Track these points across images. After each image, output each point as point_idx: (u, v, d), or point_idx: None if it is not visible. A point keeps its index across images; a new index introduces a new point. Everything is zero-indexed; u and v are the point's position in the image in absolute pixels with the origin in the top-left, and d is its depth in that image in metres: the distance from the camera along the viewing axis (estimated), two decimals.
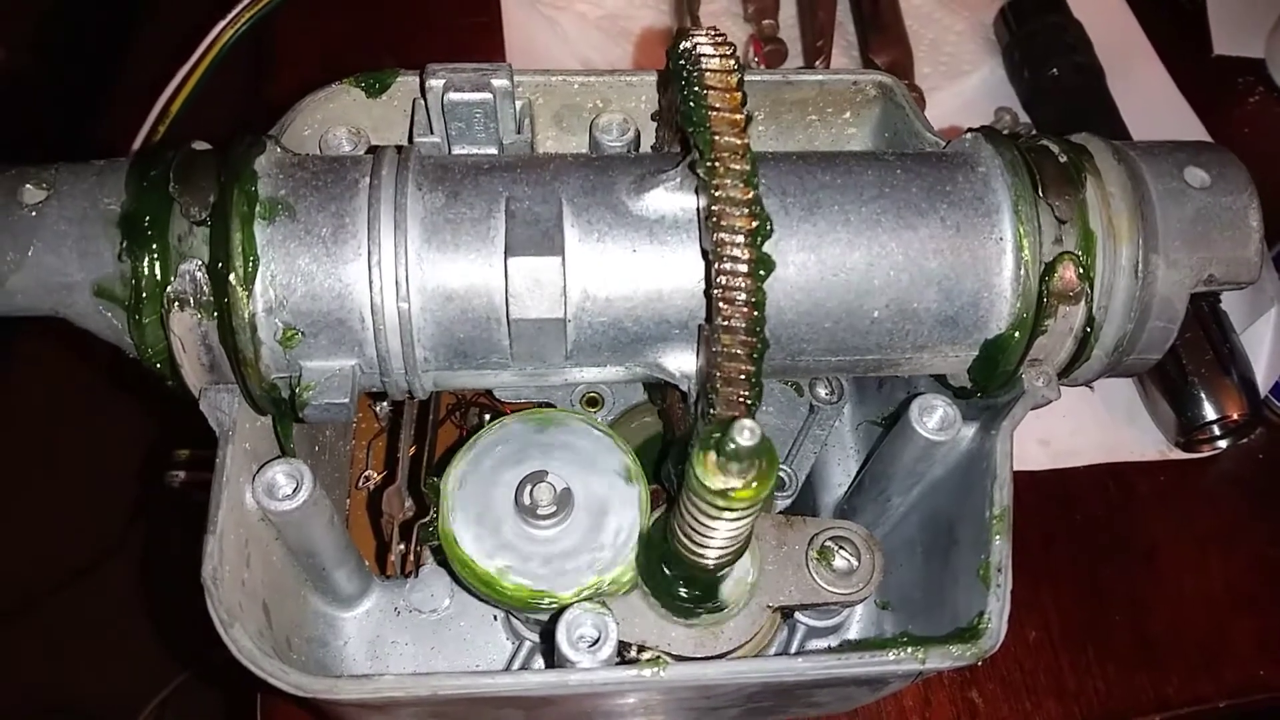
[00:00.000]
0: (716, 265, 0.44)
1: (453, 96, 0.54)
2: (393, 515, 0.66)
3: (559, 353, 0.51)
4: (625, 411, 0.65)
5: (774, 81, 0.62)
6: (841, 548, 0.54)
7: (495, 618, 0.63)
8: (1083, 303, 0.50)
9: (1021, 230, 0.50)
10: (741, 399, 0.45)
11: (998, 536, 0.51)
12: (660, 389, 0.60)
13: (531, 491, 0.52)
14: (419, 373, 0.50)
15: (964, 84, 1.04)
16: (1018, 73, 1.02)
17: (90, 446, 1.59)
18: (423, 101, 0.55)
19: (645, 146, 0.61)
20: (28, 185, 0.47)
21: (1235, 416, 0.80)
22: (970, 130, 0.55)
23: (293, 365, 0.49)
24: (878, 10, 1.02)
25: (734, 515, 0.44)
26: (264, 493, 0.49)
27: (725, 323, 0.44)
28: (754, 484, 0.42)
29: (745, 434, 0.39)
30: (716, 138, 0.45)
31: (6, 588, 1.47)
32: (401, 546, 0.66)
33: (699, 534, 0.46)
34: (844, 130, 0.64)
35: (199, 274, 0.46)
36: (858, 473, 0.69)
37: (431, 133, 0.56)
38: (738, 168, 0.44)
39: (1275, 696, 0.74)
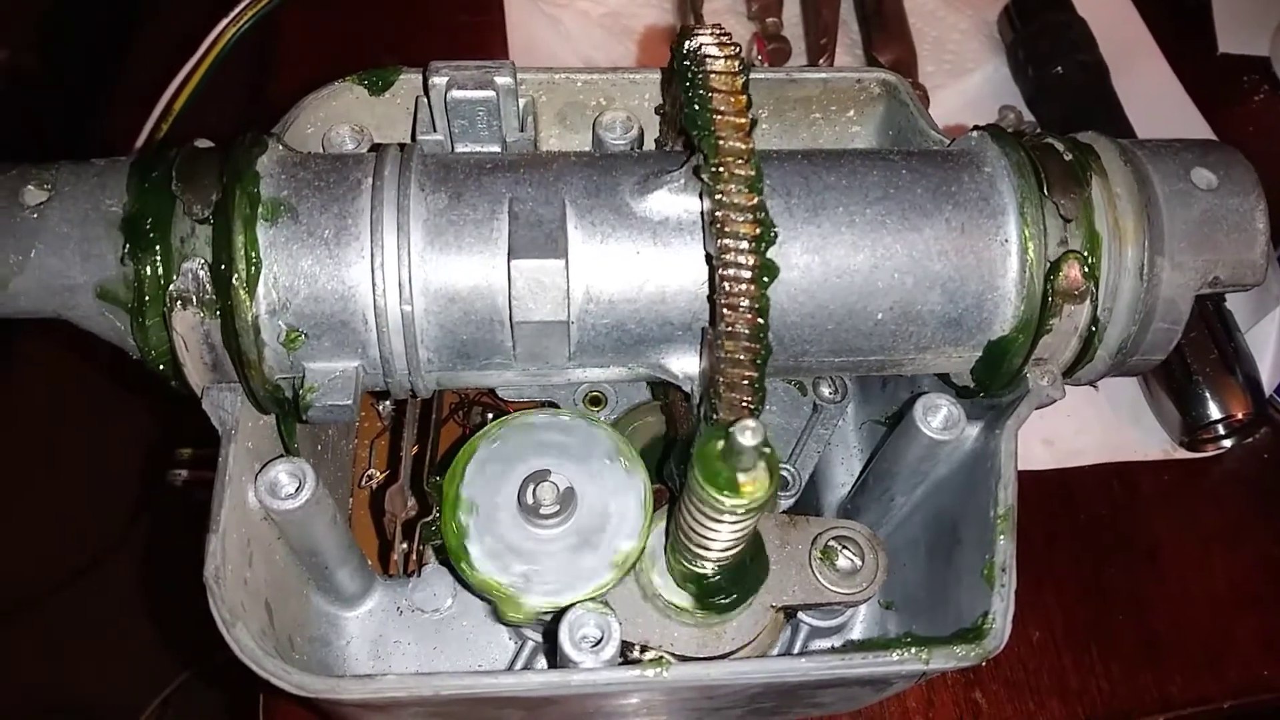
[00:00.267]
0: (720, 271, 0.44)
1: (456, 94, 0.54)
2: (395, 514, 0.66)
3: (562, 354, 0.50)
4: (628, 410, 0.65)
5: (778, 80, 0.61)
6: (845, 547, 0.54)
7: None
8: (1088, 301, 0.50)
9: (1027, 233, 0.50)
10: (745, 404, 0.45)
11: (1002, 536, 0.51)
12: (664, 384, 0.60)
13: (534, 491, 0.52)
14: (422, 373, 0.50)
15: (968, 82, 1.04)
16: (1022, 71, 1.02)
17: (92, 446, 1.59)
18: (426, 99, 0.55)
19: (649, 144, 0.61)
20: (29, 186, 0.47)
21: (1240, 416, 0.80)
22: (976, 128, 0.55)
23: (296, 366, 0.49)
24: (881, 8, 1.02)
25: (736, 517, 0.44)
26: (266, 492, 0.49)
27: (729, 329, 0.44)
28: (756, 486, 0.41)
29: (748, 434, 0.39)
30: (721, 142, 0.45)
31: (7, 587, 1.47)
32: (404, 545, 0.66)
33: (701, 535, 0.46)
34: (848, 128, 0.64)
35: (201, 272, 0.46)
36: (861, 472, 0.69)
37: (434, 130, 0.56)
38: (742, 173, 0.44)
39: (1279, 696, 0.74)
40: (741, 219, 0.44)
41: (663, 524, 0.52)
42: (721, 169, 0.44)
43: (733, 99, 0.46)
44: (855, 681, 0.55)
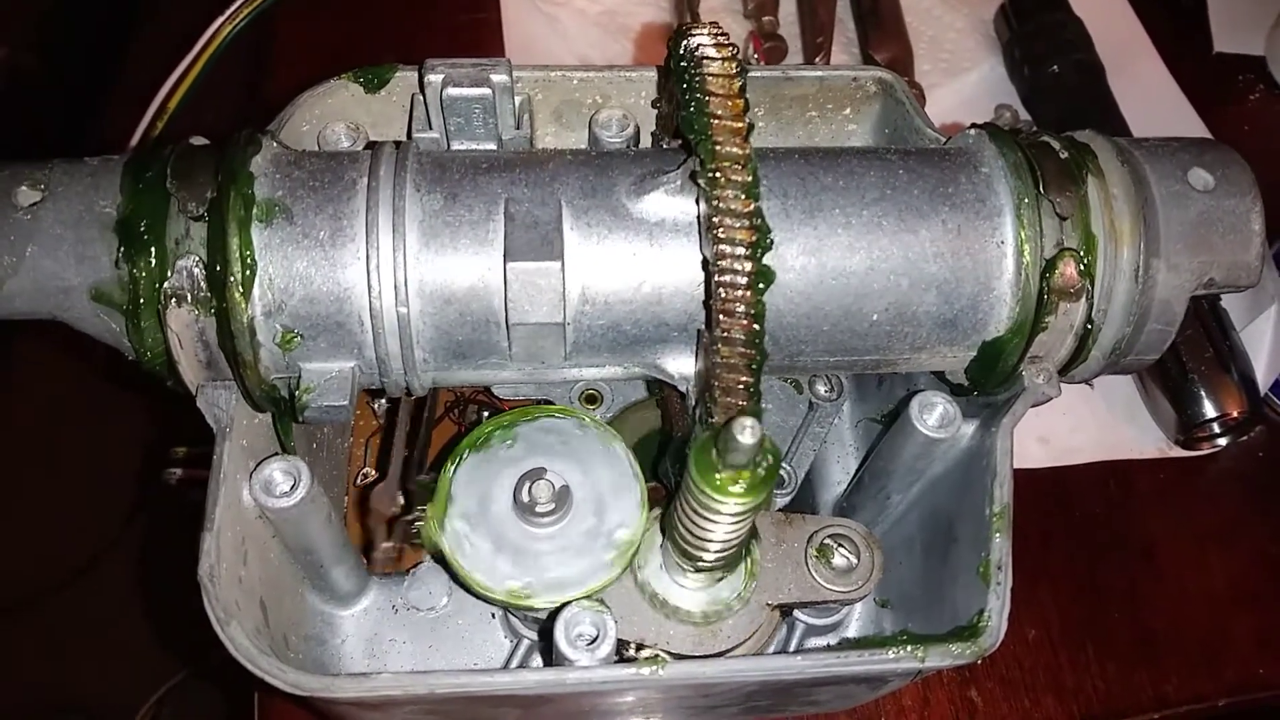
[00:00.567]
0: (716, 277, 0.44)
1: (451, 91, 0.53)
2: (381, 511, 0.66)
3: (558, 354, 0.50)
4: (624, 408, 0.65)
5: (774, 78, 0.61)
6: (841, 545, 0.54)
7: (493, 616, 0.63)
8: (1083, 299, 0.50)
9: (1023, 235, 0.49)
10: (740, 408, 0.45)
11: (998, 534, 0.51)
12: (660, 381, 0.60)
13: (530, 489, 0.51)
14: (418, 373, 0.50)
15: (964, 81, 1.04)
16: (1018, 70, 1.02)
17: (90, 446, 1.59)
18: (421, 97, 0.55)
19: (645, 141, 0.61)
20: (23, 186, 0.46)
21: (1235, 414, 0.80)
22: (974, 126, 0.55)
23: (292, 367, 0.49)
24: (877, 7, 1.02)
25: (734, 517, 0.44)
26: (261, 490, 0.49)
27: (724, 334, 0.44)
28: (753, 485, 0.41)
29: (746, 431, 0.39)
30: (718, 147, 0.44)
31: (6, 587, 1.47)
32: (388, 544, 0.66)
33: (697, 533, 0.46)
34: (844, 126, 0.64)
35: (196, 270, 0.46)
36: (857, 470, 0.69)
37: (430, 128, 0.56)
38: (739, 179, 0.44)
39: (1276, 694, 0.74)
40: (738, 225, 0.43)
41: (659, 522, 0.52)
42: (718, 174, 0.44)
43: (730, 102, 0.46)
44: (851, 679, 0.55)
